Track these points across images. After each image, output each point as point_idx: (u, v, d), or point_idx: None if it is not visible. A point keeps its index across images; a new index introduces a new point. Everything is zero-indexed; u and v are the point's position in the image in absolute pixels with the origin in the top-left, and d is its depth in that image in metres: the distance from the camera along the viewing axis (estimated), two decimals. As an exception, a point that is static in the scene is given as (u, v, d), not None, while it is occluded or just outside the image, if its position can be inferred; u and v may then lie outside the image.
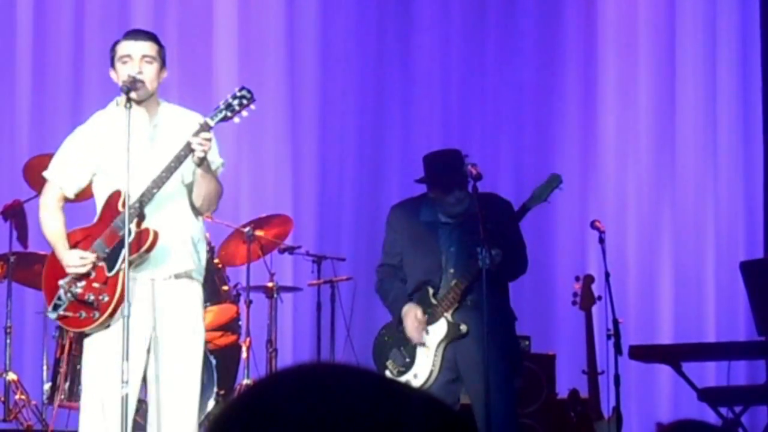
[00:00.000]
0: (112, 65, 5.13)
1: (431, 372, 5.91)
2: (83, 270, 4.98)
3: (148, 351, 5.02)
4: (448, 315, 5.93)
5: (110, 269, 4.97)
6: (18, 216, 7.57)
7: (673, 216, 9.48)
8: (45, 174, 5.26)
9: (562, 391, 7.59)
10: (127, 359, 4.80)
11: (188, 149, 4.89)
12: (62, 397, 6.96)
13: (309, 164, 9.41)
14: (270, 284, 8.04)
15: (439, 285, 5.98)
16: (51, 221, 5.15)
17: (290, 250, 8.28)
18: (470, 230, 5.82)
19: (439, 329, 5.95)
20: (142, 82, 5.02)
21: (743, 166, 9.50)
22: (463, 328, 5.90)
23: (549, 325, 9.10)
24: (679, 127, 9.59)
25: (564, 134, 9.65)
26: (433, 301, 5.96)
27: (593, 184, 9.44)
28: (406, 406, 1.20)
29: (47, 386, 7.12)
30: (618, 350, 6.70)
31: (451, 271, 5.94)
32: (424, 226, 6.01)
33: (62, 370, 6.99)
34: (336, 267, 8.47)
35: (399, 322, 6.00)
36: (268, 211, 8.43)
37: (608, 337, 6.79)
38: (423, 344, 5.95)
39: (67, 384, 6.95)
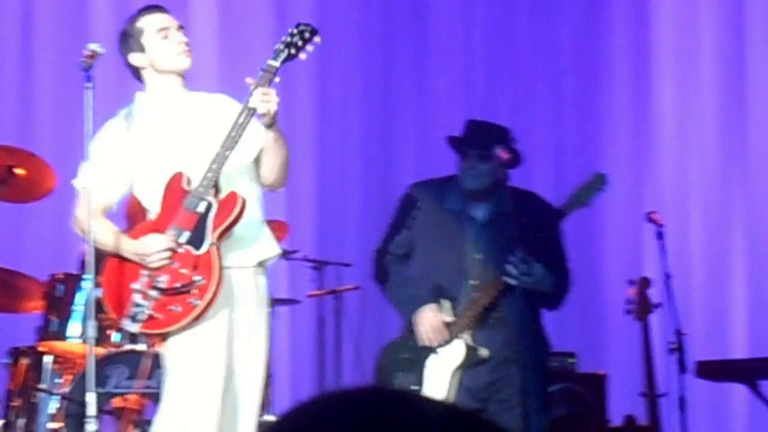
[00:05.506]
0: (136, 48, 5.03)
1: None
2: (164, 255, 4.85)
3: None
4: (467, 336, 5.64)
5: (197, 248, 4.89)
6: None
7: (745, 207, 9.10)
8: (76, 183, 5.15)
9: (616, 418, 7.46)
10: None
11: (250, 112, 4.82)
12: (17, 436, 6.85)
13: (306, 153, 8.96)
14: (263, 296, 7.56)
15: (458, 297, 5.66)
16: (100, 224, 5.01)
17: (286, 254, 7.57)
18: (502, 233, 5.55)
19: (454, 353, 5.67)
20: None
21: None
22: (484, 353, 5.62)
23: (598, 338, 8.93)
24: (751, 101, 9.14)
25: (612, 111, 9.31)
26: (450, 318, 5.65)
27: (648, 170, 9.15)
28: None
29: (-1, 424, 6.89)
30: (682, 367, 6.57)
31: (473, 282, 5.63)
32: (448, 215, 5.71)
33: (16, 404, 6.82)
34: (340, 274, 8.20)
35: (409, 327, 5.69)
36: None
37: (670, 351, 6.62)
38: (439, 347, 5.68)
39: (24, 421, 6.77)
